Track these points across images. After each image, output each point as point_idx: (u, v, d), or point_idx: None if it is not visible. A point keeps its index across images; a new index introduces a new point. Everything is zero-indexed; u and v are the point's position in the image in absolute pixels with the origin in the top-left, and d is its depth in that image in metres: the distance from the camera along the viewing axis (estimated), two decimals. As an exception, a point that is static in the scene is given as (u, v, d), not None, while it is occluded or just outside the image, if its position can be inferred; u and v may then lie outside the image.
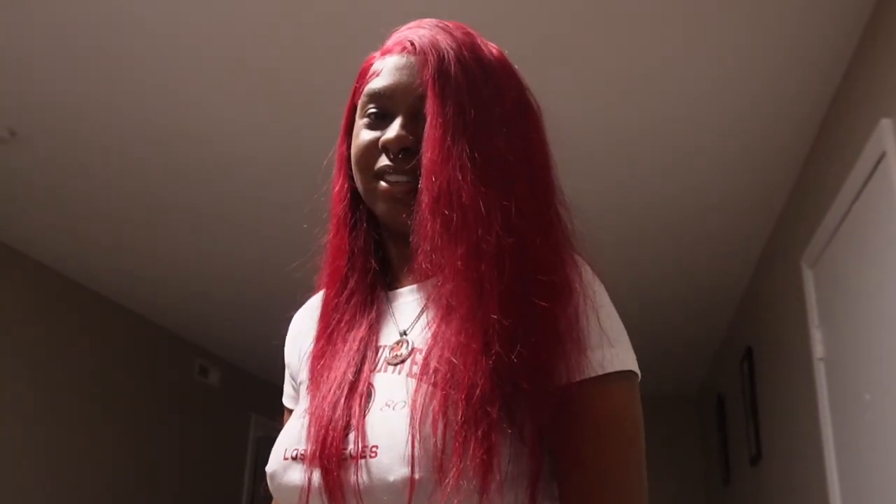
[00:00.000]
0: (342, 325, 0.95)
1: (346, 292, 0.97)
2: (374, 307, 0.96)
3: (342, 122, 1.03)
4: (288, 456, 0.88)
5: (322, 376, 0.92)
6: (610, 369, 0.84)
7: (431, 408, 0.80)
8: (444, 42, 0.92)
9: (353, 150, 0.96)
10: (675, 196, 3.54)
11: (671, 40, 2.54)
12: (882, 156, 2.30)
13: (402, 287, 0.98)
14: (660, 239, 3.97)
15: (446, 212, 0.84)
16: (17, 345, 4.29)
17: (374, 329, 0.94)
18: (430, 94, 0.89)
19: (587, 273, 0.89)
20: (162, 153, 3.32)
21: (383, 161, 0.92)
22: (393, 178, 0.91)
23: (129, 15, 2.50)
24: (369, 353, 0.92)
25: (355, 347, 0.92)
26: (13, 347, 4.26)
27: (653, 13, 2.42)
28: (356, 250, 0.98)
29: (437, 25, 0.96)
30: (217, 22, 2.53)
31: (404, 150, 0.90)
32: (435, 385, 0.81)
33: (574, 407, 0.82)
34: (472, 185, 0.85)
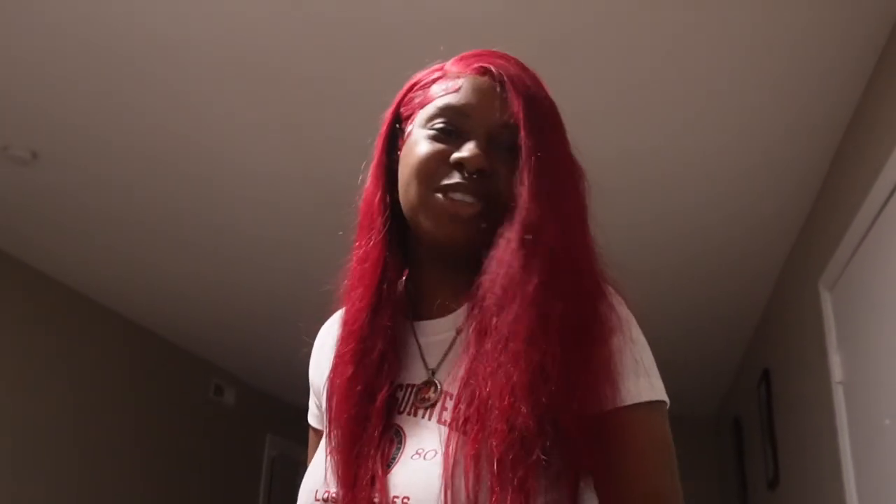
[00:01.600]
0: (367, 357, 0.90)
1: (373, 318, 0.92)
2: (401, 339, 0.93)
3: (382, 130, 0.99)
4: (319, 497, 0.87)
5: (347, 413, 0.88)
6: (642, 399, 0.86)
7: (464, 459, 0.78)
8: (529, 80, 0.93)
9: (413, 160, 0.91)
10: (693, 219, 3.53)
11: (684, 70, 2.55)
12: (900, 179, 2.29)
13: (430, 319, 0.94)
14: (677, 260, 3.96)
15: (533, 248, 0.84)
16: (35, 362, 4.32)
17: (401, 365, 0.91)
18: (524, 128, 0.88)
19: (623, 308, 0.91)
20: (182, 175, 3.36)
21: (453, 177, 0.89)
22: (459, 196, 0.88)
23: (151, 36, 2.54)
24: (397, 393, 0.89)
25: (381, 386, 0.88)
26: (33, 365, 4.29)
27: (670, 43, 2.44)
28: (389, 270, 0.94)
29: (514, 61, 0.96)
30: (243, 43, 2.56)
31: (479, 172, 0.88)
32: (467, 434, 0.80)
33: (607, 437, 0.82)
34: (556, 224, 0.86)
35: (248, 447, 6.49)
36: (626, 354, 0.86)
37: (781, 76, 2.57)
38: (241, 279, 4.46)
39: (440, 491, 0.78)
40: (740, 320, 4.73)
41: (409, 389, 0.89)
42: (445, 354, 0.90)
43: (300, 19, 2.44)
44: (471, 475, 0.77)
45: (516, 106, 0.89)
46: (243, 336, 5.40)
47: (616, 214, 3.51)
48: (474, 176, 0.88)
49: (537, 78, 0.95)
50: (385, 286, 0.93)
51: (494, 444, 0.77)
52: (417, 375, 0.90)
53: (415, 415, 0.87)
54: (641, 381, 0.86)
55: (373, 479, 0.82)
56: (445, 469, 0.78)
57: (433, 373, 0.90)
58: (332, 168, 3.12)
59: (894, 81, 2.35)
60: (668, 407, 0.90)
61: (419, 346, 0.93)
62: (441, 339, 0.92)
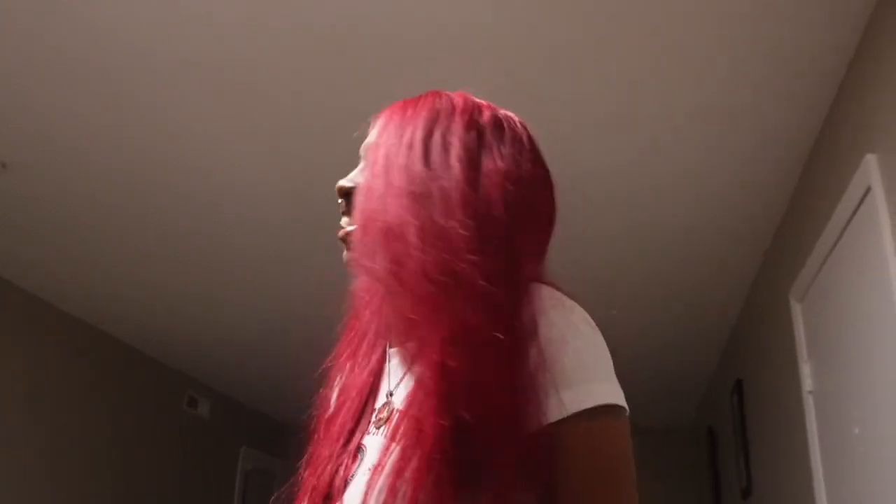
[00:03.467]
0: (351, 384, 0.97)
1: (359, 351, 1.00)
2: (379, 366, 0.98)
3: None
4: None
5: (324, 430, 0.95)
6: (575, 409, 0.79)
7: (391, 470, 0.80)
8: (399, 106, 0.98)
9: None
10: (666, 233, 3.57)
11: (653, 72, 2.58)
12: (867, 191, 2.33)
13: (395, 345, 0.98)
14: (651, 273, 3.99)
15: (385, 270, 0.86)
16: (5, 375, 4.27)
17: (374, 390, 0.96)
18: (369, 146, 0.98)
19: (557, 311, 0.85)
20: (155, 184, 3.33)
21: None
22: (341, 221, 1.00)
23: (125, 44, 2.52)
24: (366, 413, 0.94)
25: (353, 408, 0.94)
26: (1, 378, 4.23)
27: (636, 44, 2.46)
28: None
29: (412, 100, 1.00)
30: (220, 51, 2.55)
31: (342, 196, 0.99)
32: (399, 447, 0.82)
33: (544, 454, 0.79)
34: (409, 235, 0.87)
35: (223, 460, 6.43)
36: (554, 363, 0.81)
37: (751, 92, 2.61)
38: (216, 292, 4.43)
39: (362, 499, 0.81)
40: (713, 332, 4.77)
41: (375, 411, 0.94)
42: (402, 378, 0.94)
43: (285, 34, 2.44)
44: (396, 488, 0.78)
45: (374, 129, 0.99)
46: (217, 347, 5.37)
47: (591, 228, 3.54)
48: (340, 200, 0.99)
49: (419, 104, 0.97)
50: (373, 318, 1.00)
51: (418, 459, 0.78)
52: (381, 398, 0.95)
53: (374, 433, 0.91)
54: (571, 391, 0.80)
55: (330, 494, 0.86)
56: (371, 481, 0.82)
57: (391, 394, 0.93)
58: (312, 184, 3.12)
59: (861, 96, 2.40)
60: (618, 407, 0.83)
61: (388, 371, 0.97)
62: (400, 365, 0.96)
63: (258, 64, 2.58)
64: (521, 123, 0.99)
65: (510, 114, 0.99)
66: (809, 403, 3.07)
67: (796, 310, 3.20)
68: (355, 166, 1.03)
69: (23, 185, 3.34)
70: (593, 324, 0.87)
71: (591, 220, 3.43)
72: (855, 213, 2.46)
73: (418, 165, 0.89)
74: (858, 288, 2.50)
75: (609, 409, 0.82)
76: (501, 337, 0.80)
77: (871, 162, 2.28)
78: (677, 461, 6.99)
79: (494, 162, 0.90)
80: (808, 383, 3.08)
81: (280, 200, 3.41)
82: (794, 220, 3.22)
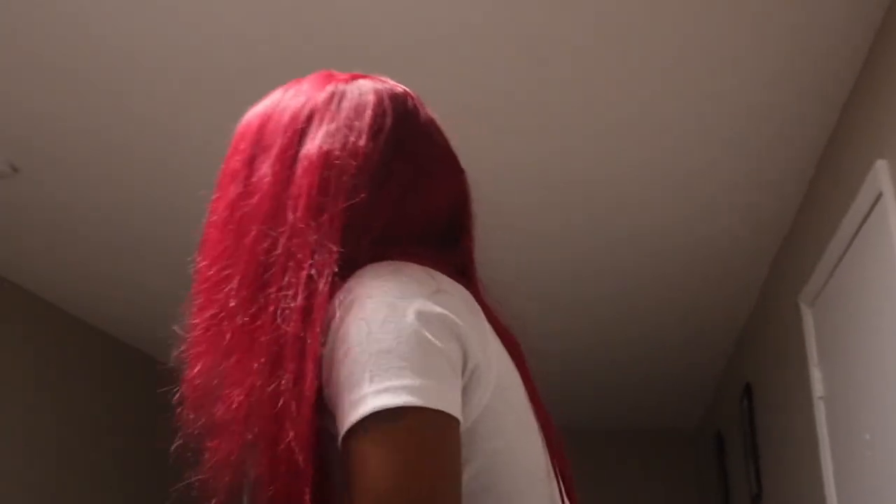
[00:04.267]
0: None
1: None
2: None
3: None
4: None
5: None
6: (344, 429, 0.67)
7: None
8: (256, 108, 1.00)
9: None
10: (674, 233, 3.56)
11: (662, 80, 2.57)
12: (878, 196, 2.32)
13: None
14: (660, 276, 3.98)
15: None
16: (7, 375, 4.28)
17: None
18: None
19: (343, 315, 0.71)
20: (162, 189, 3.34)
21: None
22: None
23: (130, 52, 2.53)
24: None
25: None
26: (8, 378, 4.24)
27: (644, 48, 2.46)
28: None
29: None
30: (225, 62, 2.56)
31: None
32: None
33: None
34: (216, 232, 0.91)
35: (230, 463, 6.44)
36: (337, 375, 0.69)
37: (762, 95, 2.60)
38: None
39: None
40: (722, 335, 4.76)
41: None
42: None
43: (280, 47, 2.44)
44: None
45: None
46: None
47: (601, 232, 3.53)
48: None
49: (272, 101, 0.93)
50: None
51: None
52: None
53: None
54: (347, 401, 0.67)
55: None
56: None
57: None
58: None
59: (873, 102, 2.39)
60: (378, 416, 0.65)
61: None
62: None
63: (262, 74, 2.59)
64: (375, 90, 0.87)
65: (371, 83, 0.89)
66: (820, 408, 3.06)
67: (807, 314, 3.19)
68: None
69: (31, 189, 3.35)
70: (378, 299, 0.70)
71: (601, 223, 3.42)
72: (866, 218, 2.46)
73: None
74: (869, 293, 2.49)
75: (370, 424, 0.65)
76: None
77: (882, 168, 2.28)
78: (685, 465, 6.98)
79: (307, 149, 0.85)
80: (818, 388, 3.07)
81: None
82: (804, 224, 3.21)
